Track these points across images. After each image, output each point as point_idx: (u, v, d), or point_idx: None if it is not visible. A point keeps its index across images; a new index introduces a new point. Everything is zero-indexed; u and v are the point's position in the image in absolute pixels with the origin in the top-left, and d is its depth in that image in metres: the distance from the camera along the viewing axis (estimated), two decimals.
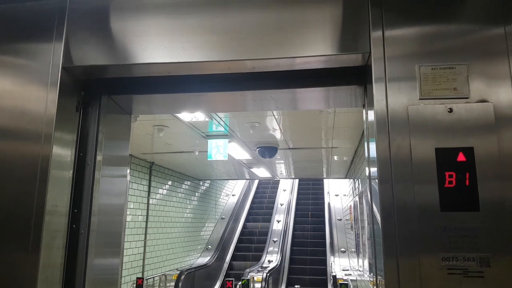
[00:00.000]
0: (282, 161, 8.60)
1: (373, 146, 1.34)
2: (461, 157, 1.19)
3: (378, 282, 1.31)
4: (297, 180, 14.55)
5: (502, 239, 1.13)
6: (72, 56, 1.49)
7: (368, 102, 1.48)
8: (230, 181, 13.45)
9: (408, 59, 1.32)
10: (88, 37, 1.50)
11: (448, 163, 1.20)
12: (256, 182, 15.24)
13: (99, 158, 1.64)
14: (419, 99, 1.28)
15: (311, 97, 1.82)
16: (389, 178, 1.23)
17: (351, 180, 8.37)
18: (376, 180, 1.27)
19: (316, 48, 1.42)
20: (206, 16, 1.47)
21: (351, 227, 7.65)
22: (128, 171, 7.09)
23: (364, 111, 1.58)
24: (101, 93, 1.65)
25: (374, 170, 1.33)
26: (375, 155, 1.29)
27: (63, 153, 1.50)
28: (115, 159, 1.80)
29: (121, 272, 6.77)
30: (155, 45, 1.46)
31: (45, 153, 1.41)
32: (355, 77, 1.56)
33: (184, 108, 2.35)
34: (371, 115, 1.40)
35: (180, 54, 1.44)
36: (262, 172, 9.88)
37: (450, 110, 1.24)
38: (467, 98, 1.25)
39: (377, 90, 1.32)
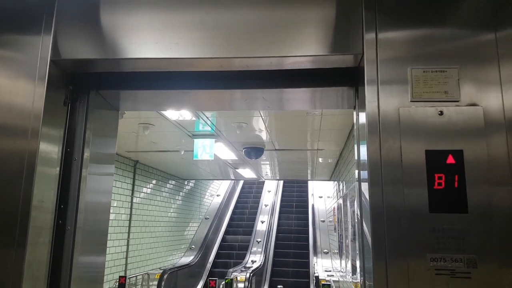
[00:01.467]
0: (268, 162, 8.61)
1: (363, 148, 1.35)
2: (450, 160, 1.21)
3: (365, 284, 1.32)
4: (282, 182, 14.59)
5: (489, 241, 1.15)
6: (60, 49, 1.45)
7: (359, 104, 1.49)
8: (215, 181, 13.40)
9: (401, 61, 1.34)
10: (77, 30, 1.47)
11: (437, 165, 1.21)
12: (241, 182, 15.23)
13: (86, 154, 1.61)
14: (411, 101, 1.29)
15: (302, 98, 1.82)
16: (379, 180, 1.24)
17: (336, 182, 8.43)
18: (366, 183, 1.28)
19: (309, 48, 1.43)
20: (199, 12, 1.45)
21: (334, 228, 7.70)
22: None
23: (354, 113, 1.59)
24: (90, 88, 1.62)
25: (364, 172, 1.34)
26: (365, 158, 1.29)
27: (50, 148, 1.47)
28: (102, 156, 1.77)
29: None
30: (147, 40, 1.44)
31: (32, 148, 1.38)
32: (347, 79, 1.57)
33: (172, 105, 2.33)
34: (362, 117, 1.41)
35: (172, 50, 1.42)
36: (247, 173, 9.88)
37: (441, 113, 1.26)
38: (457, 101, 1.27)
39: (369, 92, 1.33)
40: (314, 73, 1.57)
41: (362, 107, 1.41)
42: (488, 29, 1.32)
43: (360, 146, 1.43)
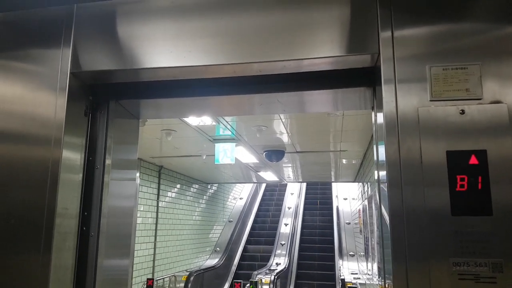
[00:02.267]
0: (290, 165, 8.57)
1: (382, 149, 1.32)
2: (473, 160, 1.17)
3: (387, 286, 1.29)
4: (304, 184, 14.49)
5: None
6: (80, 62, 1.50)
7: (377, 104, 1.46)
8: (237, 184, 13.45)
9: (418, 59, 1.30)
10: (95, 42, 1.51)
11: (459, 166, 1.17)
12: (264, 185, 15.22)
13: (108, 161, 1.65)
14: (430, 100, 1.26)
15: (319, 100, 1.81)
16: (398, 181, 1.21)
17: (360, 183, 8.31)
18: (385, 184, 1.25)
19: (324, 50, 1.41)
20: (211, 19, 1.46)
21: (360, 231, 7.59)
22: (138, 174, 7.13)
23: (373, 114, 1.56)
24: (109, 98, 1.66)
25: (383, 173, 1.31)
26: (384, 158, 1.27)
27: (72, 156, 1.51)
28: (124, 162, 1.81)
29: (131, 273, 6.79)
30: (161, 50, 1.47)
31: (55, 157, 1.42)
32: (364, 79, 1.54)
33: (192, 112, 2.35)
34: (380, 118, 1.38)
35: (186, 58, 1.44)
36: (269, 176, 9.86)
37: (462, 112, 1.22)
38: (480, 99, 1.23)
39: (387, 92, 1.30)
40: (330, 75, 1.55)
41: (380, 107, 1.38)
42: (510, 21, 1.26)
43: (379, 146, 1.40)
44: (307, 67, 1.50)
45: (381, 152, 1.35)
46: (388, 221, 1.22)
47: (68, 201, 1.48)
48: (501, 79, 1.22)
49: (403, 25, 1.34)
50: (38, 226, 1.39)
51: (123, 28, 1.52)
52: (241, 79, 1.59)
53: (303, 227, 12.39)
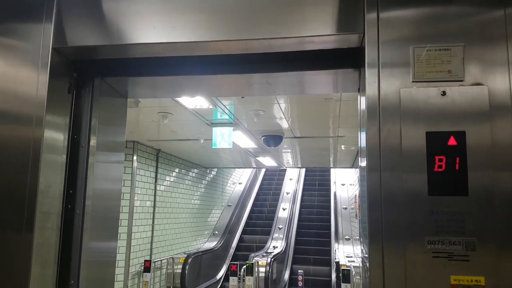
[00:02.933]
0: (289, 150, 8.58)
1: (364, 134, 1.32)
2: (452, 141, 1.17)
3: (365, 268, 1.31)
4: (303, 170, 14.54)
5: (489, 224, 1.11)
6: (62, 37, 1.48)
7: (361, 86, 1.46)
8: (237, 169, 13.50)
9: (403, 41, 1.29)
10: (78, 17, 1.49)
11: (438, 147, 1.17)
12: (263, 171, 15.27)
13: (93, 142, 1.64)
14: (412, 82, 1.25)
15: (309, 81, 1.80)
16: (377, 165, 1.21)
17: (357, 169, 8.33)
18: (365, 164, 1.25)
19: (310, 28, 1.39)
20: None
21: (356, 215, 7.64)
22: (135, 157, 7.15)
23: (358, 96, 1.56)
24: (94, 75, 1.65)
25: (363, 159, 1.31)
26: (365, 139, 1.27)
27: (55, 135, 1.51)
28: (110, 144, 1.80)
29: (128, 255, 6.88)
30: (145, 25, 1.44)
31: (37, 135, 1.42)
32: (351, 60, 1.53)
33: (182, 91, 2.35)
34: (363, 100, 1.37)
35: (169, 34, 1.42)
36: (268, 161, 9.89)
37: (443, 93, 1.21)
38: (461, 81, 1.22)
39: (370, 73, 1.29)
40: (318, 56, 1.53)
41: (364, 89, 1.37)
42: (497, 6, 1.24)
43: (361, 131, 1.40)
44: (293, 46, 1.48)
45: (363, 136, 1.35)
46: (366, 202, 1.23)
47: (51, 180, 1.48)
48: (483, 62, 1.21)
49: (389, 7, 1.32)
50: (20, 204, 1.39)
51: (107, 2, 1.49)
52: (229, 57, 1.57)
53: (300, 212, 12.48)
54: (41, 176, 1.41)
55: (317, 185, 14.28)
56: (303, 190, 13.83)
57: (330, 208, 11.87)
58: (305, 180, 14.43)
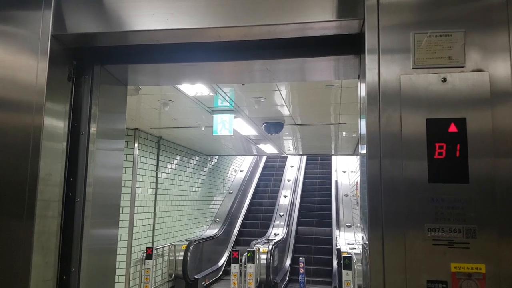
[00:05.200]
0: (290, 138, 8.57)
1: (364, 119, 1.31)
2: (452, 128, 1.16)
3: (366, 255, 1.32)
4: (305, 157, 14.55)
5: (489, 212, 1.11)
6: (61, 24, 1.46)
7: (361, 73, 1.44)
8: (238, 157, 13.52)
9: (403, 27, 1.27)
10: (77, 4, 1.47)
11: (439, 134, 1.17)
12: (264, 158, 15.30)
13: (93, 129, 1.64)
14: (413, 68, 1.24)
15: (306, 68, 1.79)
16: (377, 151, 1.21)
17: (359, 156, 8.34)
18: (365, 152, 1.25)
19: (311, 14, 1.38)
20: None
21: (357, 202, 7.67)
22: (136, 145, 7.16)
23: (359, 83, 1.55)
24: (94, 63, 1.64)
25: (363, 146, 1.31)
26: (365, 126, 1.26)
27: (55, 123, 1.50)
28: (110, 131, 1.80)
29: (130, 242, 6.95)
30: (144, 12, 1.43)
31: (36, 122, 1.42)
32: (351, 47, 1.52)
33: (183, 79, 2.33)
34: (363, 87, 1.36)
35: (168, 21, 1.41)
36: (269, 149, 9.89)
37: (444, 80, 1.20)
38: (462, 67, 1.20)
39: (370, 60, 1.28)
40: (319, 42, 1.52)
41: (364, 76, 1.36)
42: None
43: (361, 118, 1.39)
44: (293, 32, 1.46)
45: (363, 123, 1.35)
46: (366, 189, 1.23)
47: (51, 167, 1.48)
48: (484, 48, 1.20)
49: None
50: (21, 191, 1.40)
51: None
52: (229, 44, 1.56)
53: (302, 199, 12.54)
54: (42, 163, 1.41)
55: (318, 172, 14.31)
56: (304, 177, 13.87)
57: (331, 195, 11.91)
58: (306, 167, 14.46)
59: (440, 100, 1.19)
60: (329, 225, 10.82)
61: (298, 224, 11.41)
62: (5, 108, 1.44)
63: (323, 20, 1.37)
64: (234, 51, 1.57)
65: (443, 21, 1.24)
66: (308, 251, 10.30)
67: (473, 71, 1.19)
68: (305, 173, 14.09)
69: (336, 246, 8.05)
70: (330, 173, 13.40)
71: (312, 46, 1.56)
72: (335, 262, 8.18)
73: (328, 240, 10.34)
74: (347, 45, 1.51)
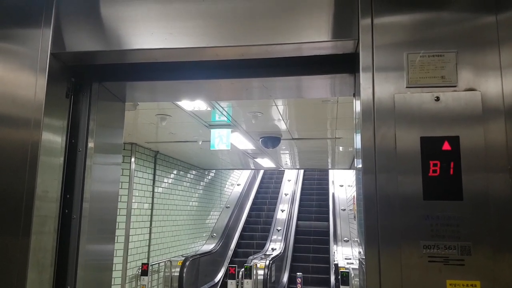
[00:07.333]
0: (287, 152, 8.59)
1: (359, 137, 1.33)
2: (446, 146, 1.18)
3: (363, 271, 1.32)
4: (302, 171, 14.55)
5: (484, 229, 1.13)
6: (60, 42, 1.49)
7: (356, 91, 1.47)
8: (235, 171, 13.50)
9: (397, 47, 1.30)
10: (76, 22, 1.50)
11: (433, 152, 1.19)
12: (261, 172, 15.28)
13: (90, 145, 1.65)
14: (406, 87, 1.26)
15: (306, 86, 1.82)
16: (372, 167, 1.23)
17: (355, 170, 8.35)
18: (360, 171, 1.27)
19: (307, 35, 1.41)
20: (193, 1, 1.45)
21: (354, 217, 7.65)
22: (133, 159, 7.15)
23: (354, 101, 1.57)
24: (92, 80, 1.66)
25: (359, 161, 1.33)
26: (360, 145, 1.28)
27: (53, 139, 1.51)
28: (108, 146, 1.81)
29: (125, 258, 6.87)
30: (143, 31, 1.46)
31: (34, 139, 1.42)
32: (346, 65, 1.54)
33: (180, 96, 2.35)
34: (358, 105, 1.39)
35: (166, 40, 1.43)
36: (266, 163, 9.90)
37: (437, 99, 1.22)
38: (454, 86, 1.23)
39: (364, 79, 1.31)
40: (314, 60, 1.55)
41: (359, 94, 1.39)
42: (488, 12, 1.26)
43: (356, 134, 1.41)
44: (290, 52, 1.49)
45: (358, 139, 1.37)
46: (362, 204, 1.24)
47: (48, 184, 1.48)
48: (476, 67, 1.23)
49: (383, 13, 1.34)
50: (17, 209, 1.40)
51: (106, 8, 1.50)
52: (226, 62, 1.58)
53: (299, 213, 12.48)
54: (39, 180, 1.42)
55: (315, 186, 14.29)
56: (302, 190, 13.84)
57: (328, 208, 11.88)
58: (303, 181, 14.44)
59: (434, 119, 1.21)
60: (327, 236, 10.76)
61: (296, 237, 11.34)
62: (4, 124, 1.45)
63: (318, 40, 1.40)
64: (232, 69, 1.60)
65: (436, 41, 1.27)
66: (306, 261, 10.22)
67: (465, 90, 1.22)
68: (302, 187, 14.06)
69: (334, 261, 7.99)
70: (327, 187, 13.38)
71: (308, 64, 1.59)
72: (332, 278, 8.11)
73: (326, 251, 10.27)
74: (342, 64, 1.54)
